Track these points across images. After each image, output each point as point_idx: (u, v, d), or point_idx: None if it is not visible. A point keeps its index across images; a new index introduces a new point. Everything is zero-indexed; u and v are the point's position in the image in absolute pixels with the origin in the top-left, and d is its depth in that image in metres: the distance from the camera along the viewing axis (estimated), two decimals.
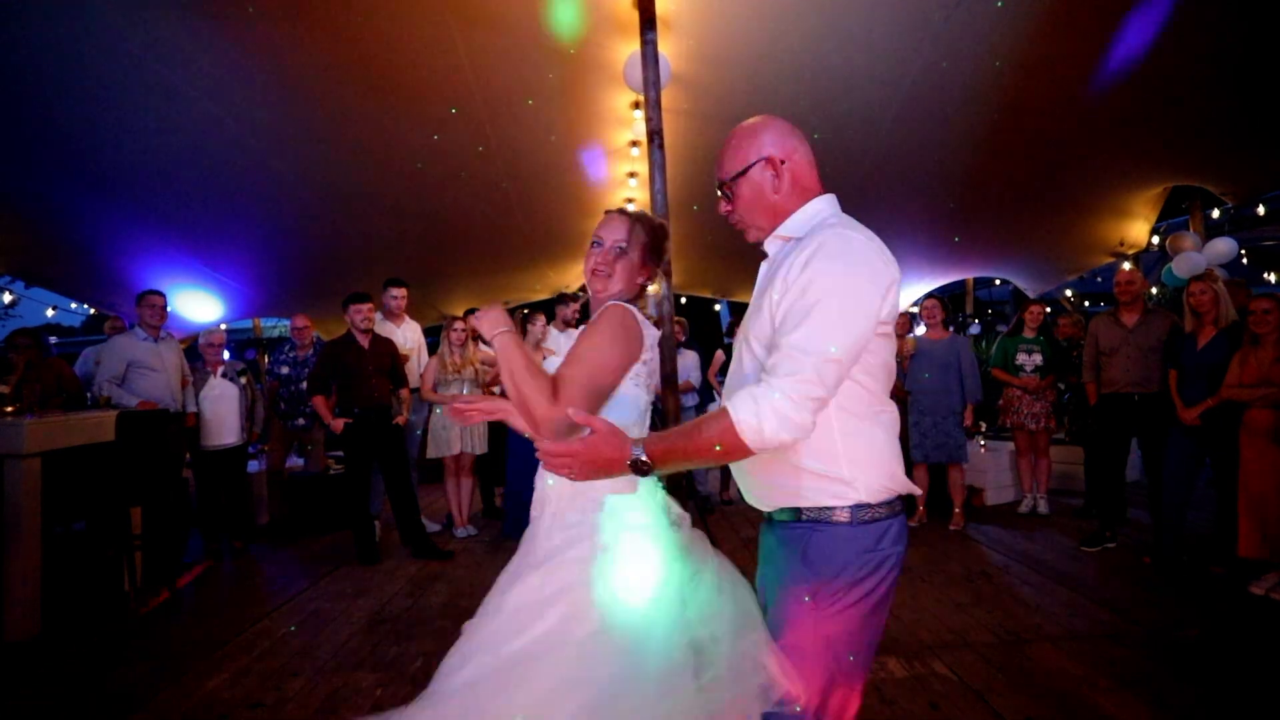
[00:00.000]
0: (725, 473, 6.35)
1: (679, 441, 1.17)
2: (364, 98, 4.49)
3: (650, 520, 1.42)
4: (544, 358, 5.22)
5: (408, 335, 5.54)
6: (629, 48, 4.05)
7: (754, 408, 1.13)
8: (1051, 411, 5.47)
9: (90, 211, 5.25)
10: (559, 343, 5.47)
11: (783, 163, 1.34)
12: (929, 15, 3.96)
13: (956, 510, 5.17)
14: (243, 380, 5.24)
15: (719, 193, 1.40)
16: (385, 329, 5.26)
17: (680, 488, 3.74)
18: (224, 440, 5.08)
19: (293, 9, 3.72)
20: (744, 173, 1.35)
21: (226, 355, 5.54)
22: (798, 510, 1.29)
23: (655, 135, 3.69)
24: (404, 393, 5.00)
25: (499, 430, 5.45)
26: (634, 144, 5.46)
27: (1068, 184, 5.99)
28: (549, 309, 6.04)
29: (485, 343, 5.61)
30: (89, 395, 4.88)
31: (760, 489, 1.36)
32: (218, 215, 5.61)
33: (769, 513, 1.37)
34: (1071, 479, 6.14)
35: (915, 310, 6.68)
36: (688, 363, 6.07)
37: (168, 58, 3.95)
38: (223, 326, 6.71)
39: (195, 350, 5.40)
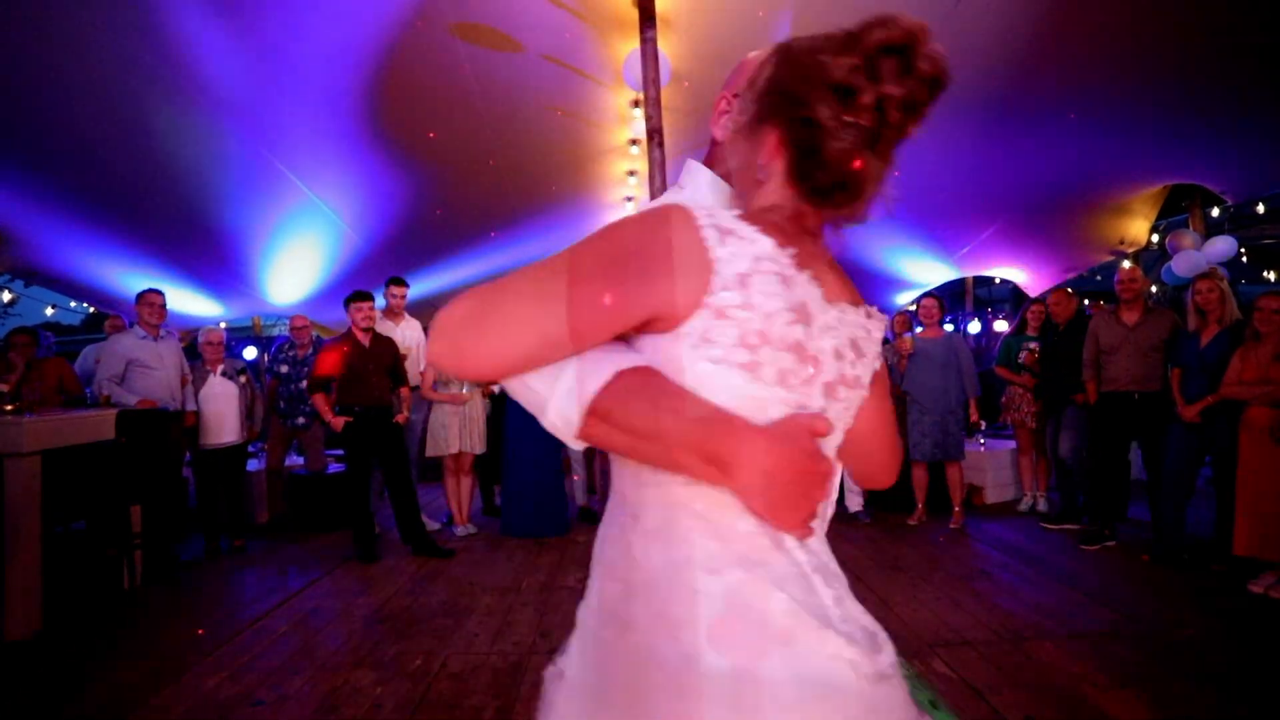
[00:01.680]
0: None
1: None
2: (365, 100, 4.48)
3: None
4: None
5: (407, 334, 5.53)
6: (629, 46, 4.05)
7: None
8: None
9: (90, 211, 5.24)
10: None
11: None
12: (928, 13, 3.96)
13: (956, 508, 5.17)
14: (242, 379, 5.24)
15: None
16: (384, 327, 5.26)
17: None
18: (223, 439, 5.08)
19: (297, 9, 3.71)
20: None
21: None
22: None
23: (655, 133, 3.69)
24: (404, 391, 5.00)
25: (497, 429, 5.45)
26: (633, 142, 5.46)
27: (1068, 182, 5.99)
28: None
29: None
30: (89, 394, 4.88)
31: None
32: (218, 215, 5.61)
33: None
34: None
35: (914, 309, 6.68)
36: None
37: (172, 58, 3.94)
38: (222, 325, 6.71)
39: (195, 349, 5.40)
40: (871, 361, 0.83)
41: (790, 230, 0.78)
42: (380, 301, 5.48)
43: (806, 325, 0.74)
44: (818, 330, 0.75)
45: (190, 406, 4.93)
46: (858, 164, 0.75)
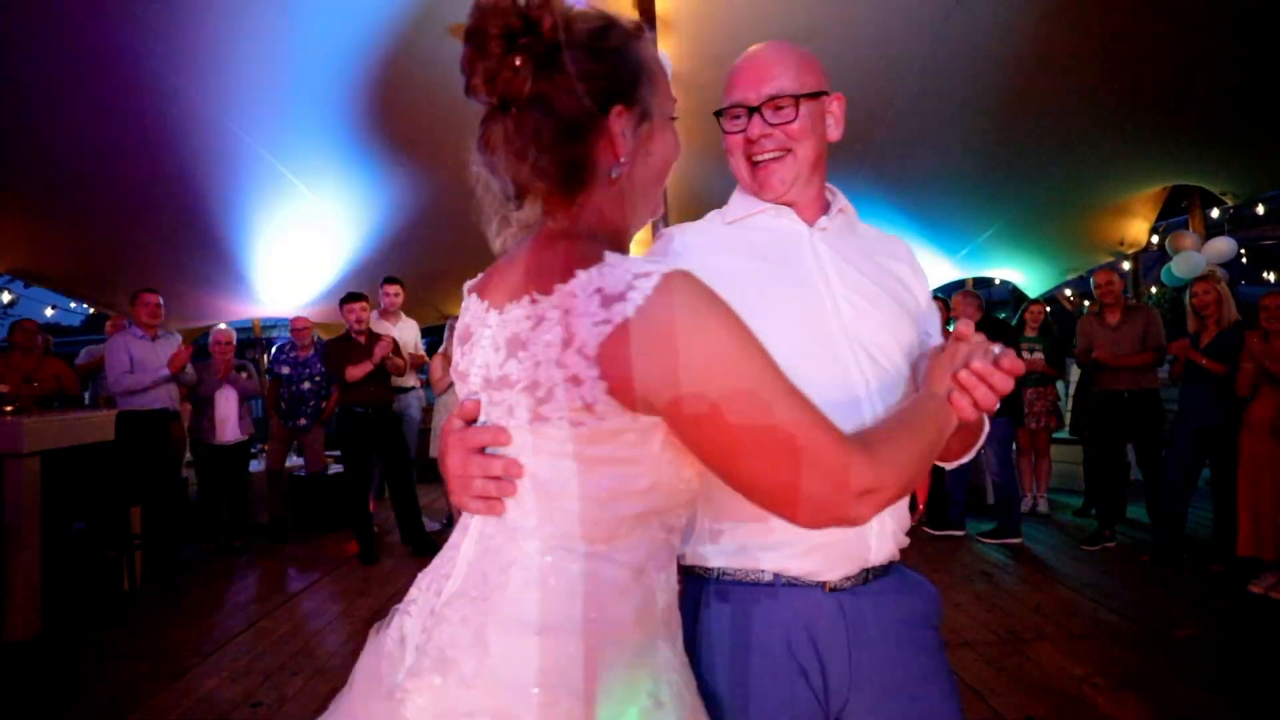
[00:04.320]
0: None
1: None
2: (364, 101, 4.49)
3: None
4: None
5: (405, 333, 5.53)
6: None
7: None
8: (1052, 410, 5.48)
9: (91, 211, 5.24)
10: None
11: (840, 110, 1.09)
12: (929, 14, 3.96)
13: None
14: (243, 375, 5.25)
15: (752, 111, 1.02)
16: (381, 327, 5.27)
17: None
18: (225, 438, 5.09)
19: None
20: (816, 96, 1.03)
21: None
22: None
23: None
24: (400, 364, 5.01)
25: None
26: None
27: (1067, 183, 5.99)
28: None
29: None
30: (87, 393, 4.88)
31: (892, 527, 1.00)
32: (218, 214, 5.61)
33: (866, 570, 0.97)
34: (1072, 478, 6.14)
35: None
36: None
37: (168, 58, 3.94)
38: (222, 325, 6.71)
39: (203, 349, 5.41)
40: (570, 346, 0.67)
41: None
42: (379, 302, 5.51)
43: (463, 345, 0.82)
44: (472, 345, 0.80)
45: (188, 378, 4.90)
46: None
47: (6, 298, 8.08)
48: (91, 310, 8.57)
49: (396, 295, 5.49)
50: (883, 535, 0.96)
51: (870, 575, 0.97)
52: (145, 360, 4.66)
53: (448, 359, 5.23)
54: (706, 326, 0.65)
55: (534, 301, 0.70)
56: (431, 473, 6.13)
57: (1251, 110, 4.68)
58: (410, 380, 5.52)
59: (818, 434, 0.67)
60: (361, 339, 4.76)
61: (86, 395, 6.13)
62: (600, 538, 0.71)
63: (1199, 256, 6.10)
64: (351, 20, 3.86)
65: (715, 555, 0.96)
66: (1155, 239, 7.22)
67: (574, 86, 0.71)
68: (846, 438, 0.69)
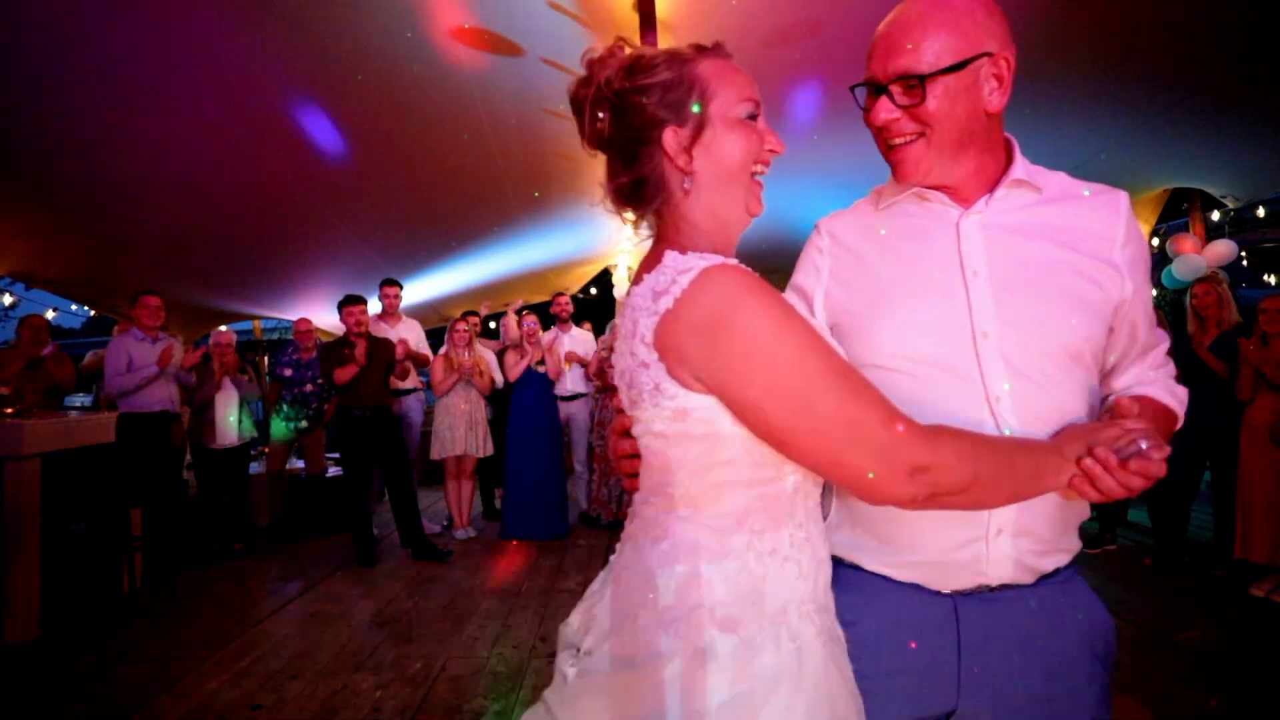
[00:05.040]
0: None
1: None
2: (362, 99, 4.49)
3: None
4: (564, 361, 5.27)
5: (406, 335, 5.54)
6: None
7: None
8: None
9: (93, 213, 5.24)
10: (573, 343, 5.61)
11: (1008, 69, 0.89)
12: None
13: None
14: (245, 377, 5.25)
15: (877, 90, 0.93)
16: (380, 329, 5.28)
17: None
18: (225, 441, 5.09)
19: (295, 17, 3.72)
20: (960, 68, 0.86)
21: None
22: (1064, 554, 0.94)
23: None
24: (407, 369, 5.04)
25: (499, 432, 5.45)
26: None
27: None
28: (543, 311, 6.06)
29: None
30: (90, 395, 4.88)
31: (1055, 528, 0.91)
32: (218, 215, 5.61)
33: (987, 587, 0.91)
34: None
35: None
36: None
37: (170, 59, 3.95)
38: (222, 327, 6.72)
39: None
40: (635, 336, 0.80)
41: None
42: (376, 305, 5.51)
43: None
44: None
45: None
46: None
47: (8, 300, 8.09)
48: (93, 313, 8.55)
49: (396, 297, 5.51)
50: (999, 560, 0.88)
51: (997, 588, 0.89)
52: (144, 362, 4.66)
53: (449, 361, 5.24)
54: (740, 313, 0.73)
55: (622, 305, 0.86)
56: (433, 476, 6.12)
57: (1252, 112, 4.68)
58: (411, 382, 5.53)
59: (864, 409, 0.72)
60: (361, 342, 4.76)
61: (90, 397, 6.14)
62: (693, 503, 0.80)
63: (1199, 259, 6.10)
64: (352, 20, 3.87)
65: (832, 544, 0.96)
66: (1156, 241, 7.23)
67: (629, 121, 0.84)
68: (903, 417, 0.73)
